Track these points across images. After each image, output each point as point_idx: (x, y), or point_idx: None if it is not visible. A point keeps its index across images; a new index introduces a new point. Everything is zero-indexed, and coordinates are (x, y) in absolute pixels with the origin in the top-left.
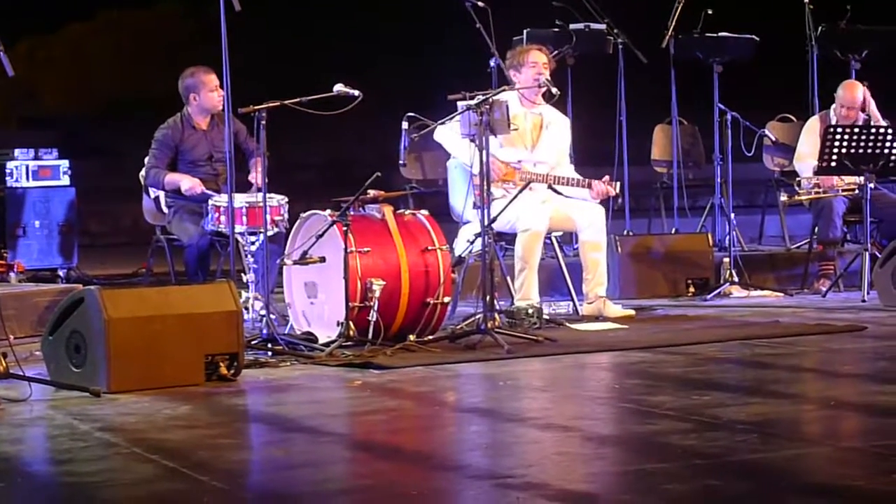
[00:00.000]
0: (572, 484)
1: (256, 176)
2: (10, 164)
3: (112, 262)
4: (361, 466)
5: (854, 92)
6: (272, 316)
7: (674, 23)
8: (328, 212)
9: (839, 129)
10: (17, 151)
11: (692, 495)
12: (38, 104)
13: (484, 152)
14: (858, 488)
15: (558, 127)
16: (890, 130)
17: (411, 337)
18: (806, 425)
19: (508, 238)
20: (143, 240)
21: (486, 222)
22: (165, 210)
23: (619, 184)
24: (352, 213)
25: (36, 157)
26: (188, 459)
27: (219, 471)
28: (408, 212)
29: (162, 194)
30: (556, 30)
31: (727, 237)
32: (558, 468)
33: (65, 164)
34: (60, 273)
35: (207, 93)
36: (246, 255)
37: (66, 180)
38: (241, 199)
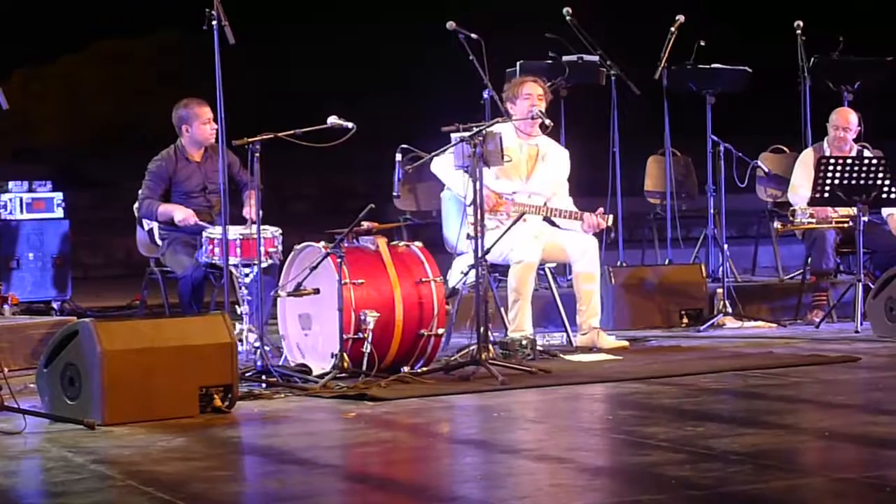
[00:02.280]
0: None
1: (250, 210)
2: (4, 197)
3: (106, 295)
4: (356, 498)
5: (848, 115)
6: (266, 348)
7: (667, 54)
8: (322, 244)
9: (832, 160)
10: (11, 184)
11: None
12: (32, 136)
13: (478, 184)
14: None
15: (555, 158)
16: (882, 162)
17: (405, 368)
18: (800, 456)
19: (502, 269)
20: (136, 272)
21: (479, 254)
22: (159, 242)
23: (611, 216)
24: (346, 244)
25: (30, 190)
26: (182, 492)
27: (213, 503)
28: (402, 243)
29: (156, 226)
30: (550, 61)
31: (720, 268)
32: (552, 500)
33: (59, 196)
34: (54, 305)
35: (200, 125)
36: (240, 287)
37: (59, 213)
38: (235, 231)
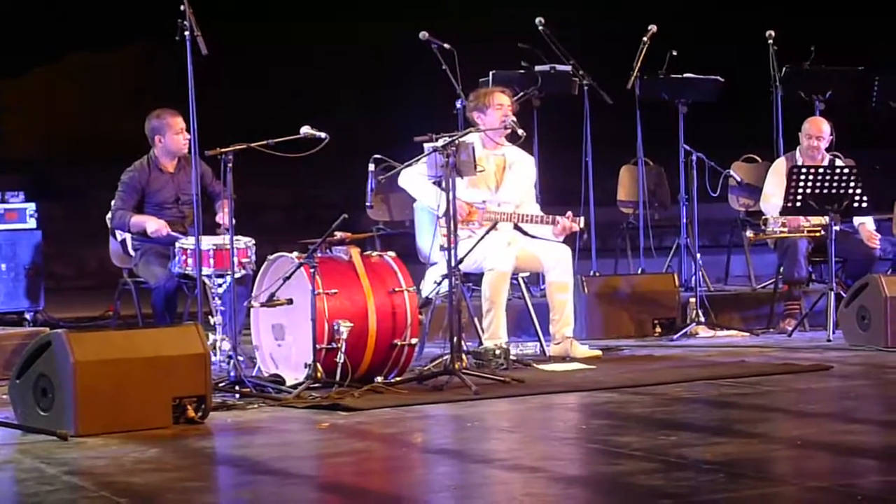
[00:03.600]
0: None
1: (223, 216)
2: None
3: (79, 305)
4: None
5: (820, 124)
6: (240, 358)
7: (639, 64)
8: (295, 254)
9: (804, 170)
10: None
11: None
12: (4, 147)
13: (450, 194)
14: None
15: (522, 166)
16: (854, 171)
17: (379, 378)
18: (772, 465)
19: (475, 279)
20: (109, 282)
21: (452, 263)
22: (132, 253)
23: (582, 219)
24: (319, 254)
25: (2, 201)
26: (155, 503)
27: None
28: (375, 253)
29: (128, 237)
30: (522, 71)
31: (693, 277)
32: None
33: (31, 206)
34: (27, 316)
35: (173, 135)
36: (213, 298)
37: (32, 223)
38: (208, 242)
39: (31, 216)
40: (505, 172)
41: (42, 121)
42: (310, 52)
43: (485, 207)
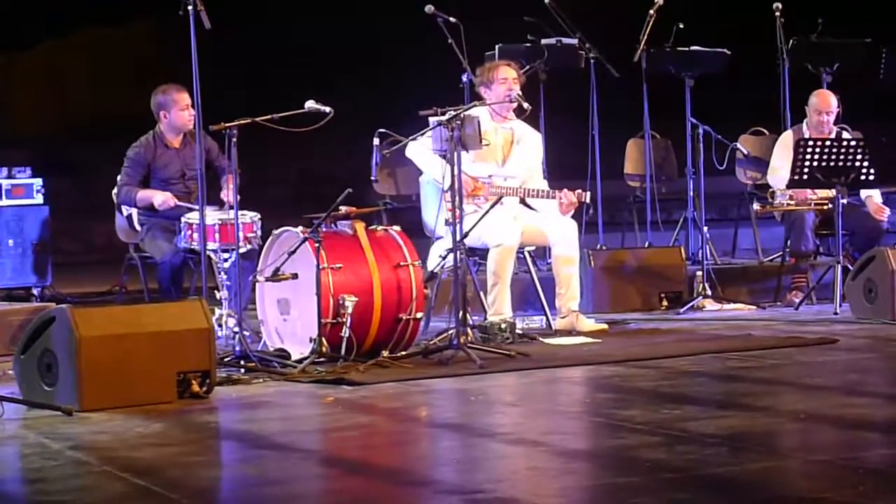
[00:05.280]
0: (541, 499)
1: (228, 193)
2: None
3: (87, 281)
4: (332, 483)
5: (828, 98)
6: (245, 333)
7: (645, 37)
8: (300, 228)
9: (811, 143)
10: None
11: None
12: (11, 122)
13: (455, 168)
14: (827, 501)
15: (529, 142)
16: (861, 144)
17: (384, 353)
18: (776, 438)
19: (481, 253)
20: (117, 258)
21: (458, 238)
22: (138, 228)
23: (588, 194)
24: (324, 229)
25: (9, 176)
26: (159, 477)
27: (190, 489)
28: (380, 228)
29: (135, 212)
30: (528, 45)
31: (700, 251)
32: (528, 483)
33: (38, 182)
34: (35, 292)
35: (178, 111)
36: (219, 273)
37: (39, 199)
38: (213, 217)
39: (38, 192)
40: (512, 147)
41: (50, 96)
42: (315, 26)
43: (491, 181)
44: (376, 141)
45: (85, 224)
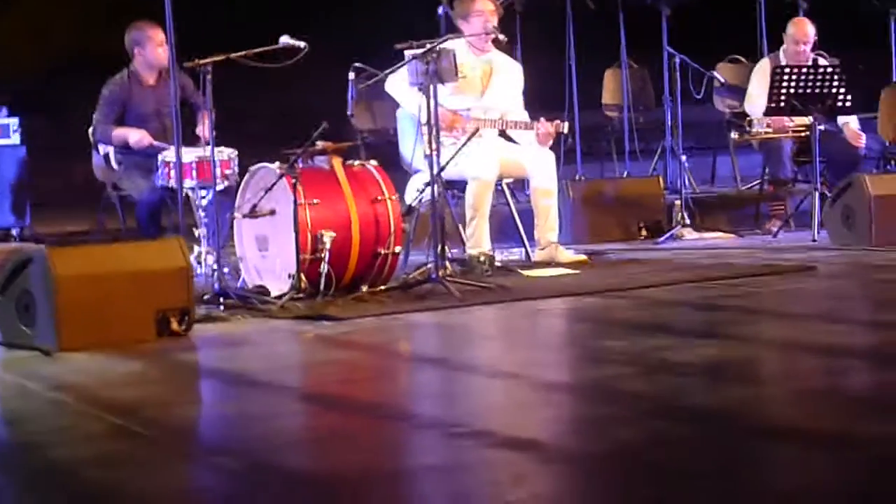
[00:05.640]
0: (521, 431)
1: (203, 129)
2: None
3: (66, 220)
4: (313, 419)
5: (805, 27)
6: (224, 270)
7: None
8: (277, 164)
9: (787, 70)
10: None
11: (640, 440)
12: None
13: (432, 101)
14: (808, 429)
15: (508, 73)
16: (837, 70)
17: (363, 287)
18: (756, 367)
19: (459, 186)
20: (95, 197)
21: (435, 171)
22: (115, 166)
23: (566, 124)
24: (300, 165)
25: None
26: (139, 416)
27: (170, 427)
28: (357, 162)
29: (112, 150)
30: None
31: (678, 179)
32: (506, 416)
33: (14, 122)
34: (13, 232)
35: (153, 47)
36: (197, 210)
37: (16, 139)
38: (190, 154)
39: (14, 131)
40: (491, 78)
41: (23, 36)
42: None
43: (470, 114)
44: (352, 75)
45: (63, 163)
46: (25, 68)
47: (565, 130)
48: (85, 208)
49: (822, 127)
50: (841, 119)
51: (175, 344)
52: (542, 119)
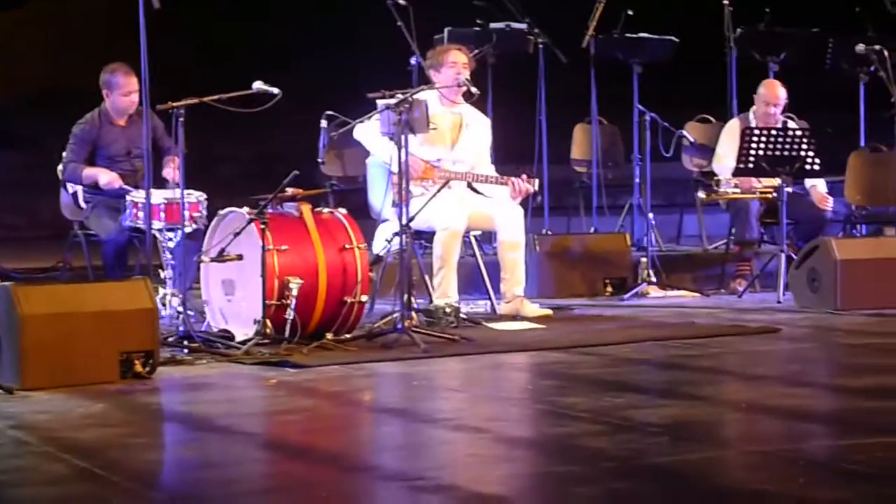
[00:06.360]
0: (483, 486)
1: (171, 172)
2: None
3: (31, 256)
4: (273, 467)
5: (776, 89)
6: (189, 313)
7: (594, 23)
8: (246, 209)
9: (756, 131)
10: None
11: (602, 498)
12: None
13: (403, 151)
14: (767, 492)
15: (478, 126)
16: (806, 133)
17: (328, 335)
18: (717, 428)
19: (427, 236)
20: (61, 234)
21: (404, 221)
22: (83, 205)
23: (537, 181)
24: (270, 210)
25: None
26: (100, 459)
27: (130, 471)
28: (326, 210)
29: (80, 189)
30: (477, 29)
31: (645, 237)
32: (469, 470)
33: None
34: None
35: (120, 95)
36: (164, 252)
37: None
38: (159, 196)
39: None
40: (461, 131)
41: None
42: (266, 5)
43: (440, 165)
44: (324, 123)
45: (30, 199)
46: None
47: (536, 188)
48: (50, 244)
49: (789, 189)
50: (808, 181)
51: (138, 386)
52: (524, 176)
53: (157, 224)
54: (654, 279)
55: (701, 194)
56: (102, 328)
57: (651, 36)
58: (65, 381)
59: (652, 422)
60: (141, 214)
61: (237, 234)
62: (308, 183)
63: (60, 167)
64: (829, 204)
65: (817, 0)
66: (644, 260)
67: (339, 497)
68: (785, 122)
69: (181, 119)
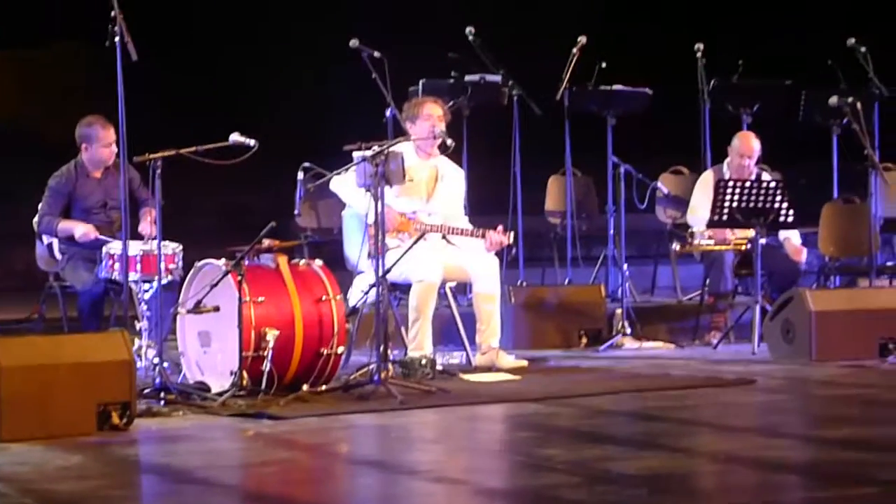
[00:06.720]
0: None
1: (147, 226)
2: None
3: (4, 307)
4: None
5: (750, 141)
6: (165, 364)
7: (568, 75)
8: (223, 261)
9: (731, 183)
10: None
11: None
12: None
13: (379, 203)
14: None
15: (453, 179)
16: (780, 185)
17: (305, 387)
18: (695, 480)
19: (403, 288)
20: (36, 285)
21: (380, 272)
22: (59, 256)
23: (512, 233)
24: (246, 262)
25: None
26: None
27: None
28: (302, 261)
29: (55, 241)
30: (452, 81)
31: (620, 288)
32: None
33: None
34: None
35: (100, 147)
36: (140, 303)
37: None
38: (135, 247)
39: None
40: (437, 183)
41: None
42: (241, 58)
43: (415, 217)
44: (300, 175)
45: (3, 249)
46: None
47: (511, 240)
48: (25, 295)
49: (763, 241)
50: (782, 233)
51: (115, 438)
52: (499, 228)
53: (133, 275)
54: (628, 331)
55: (675, 246)
56: (79, 379)
57: (625, 88)
58: (42, 433)
59: (630, 473)
60: (117, 266)
61: (214, 285)
62: (283, 235)
63: (36, 220)
64: (803, 255)
65: (790, 53)
66: (619, 311)
67: None
68: (759, 174)
69: (158, 171)
